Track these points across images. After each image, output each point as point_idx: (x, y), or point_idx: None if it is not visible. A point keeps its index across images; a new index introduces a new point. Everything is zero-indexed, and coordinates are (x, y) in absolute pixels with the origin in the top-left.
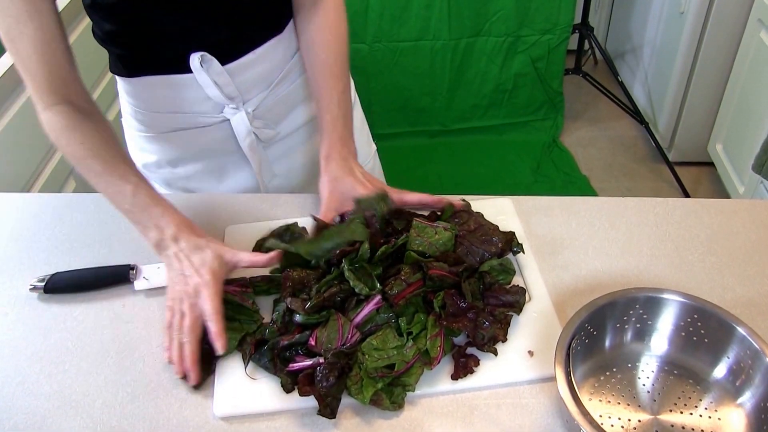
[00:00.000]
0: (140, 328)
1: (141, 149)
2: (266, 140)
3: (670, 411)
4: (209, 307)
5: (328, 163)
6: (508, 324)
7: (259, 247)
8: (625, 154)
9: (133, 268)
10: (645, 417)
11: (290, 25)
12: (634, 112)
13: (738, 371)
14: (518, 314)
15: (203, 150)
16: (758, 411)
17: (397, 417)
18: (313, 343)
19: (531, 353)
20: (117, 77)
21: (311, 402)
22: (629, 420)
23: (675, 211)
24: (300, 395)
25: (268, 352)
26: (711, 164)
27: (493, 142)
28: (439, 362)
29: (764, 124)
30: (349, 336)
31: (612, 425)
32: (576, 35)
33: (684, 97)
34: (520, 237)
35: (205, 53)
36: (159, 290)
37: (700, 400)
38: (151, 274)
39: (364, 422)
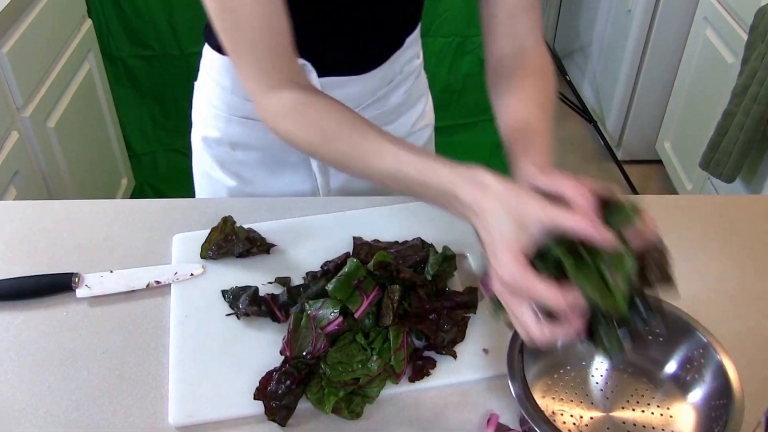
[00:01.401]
0: (84, 336)
1: (206, 123)
2: None
3: (623, 408)
4: (539, 295)
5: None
6: (466, 325)
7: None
8: (574, 153)
9: (75, 276)
10: (597, 414)
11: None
12: (583, 111)
13: (689, 368)
14: (474, 314)
15: (267, 144)
16: (708, 407)
17: (356, 422)
18: (288, 353)
19: (486, 351)
20: (210, 48)
21: None
22: (581, 417)
23: None
24: (254, 398)
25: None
26: (659, 162)
27: (441, 144)
28: (404, 375)
29: (711, 121)
30: (321, 346)
31: (564, 422)
32: None
33: (632, 96)
34: (472, 236)
35: (308, 63)
36: (102, 298)
37: (653, 397)
38: (93, 282)
39: (324, 428)
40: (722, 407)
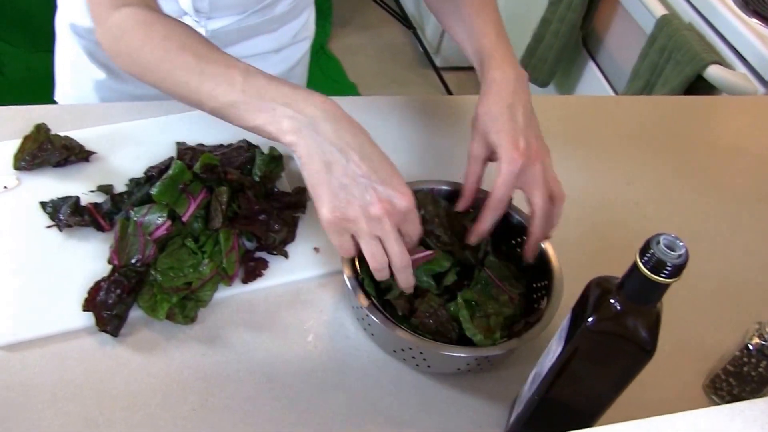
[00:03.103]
0: None
1: (75, 10)
2: None
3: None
4: (417, 237)
5: (489, 87)
6: (296, 225)
7: None
8: (393, 60)
9: None
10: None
11: None
12: (403, 18)
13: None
14: (303, 213)
15: None
16: (530, 289)
17: (191, 326)
18: (116, 261)
19: (317, 249)
20: None
21: None
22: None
23: (438, 109)
24: (83, 310)
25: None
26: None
27: None
28: (237, 277)
29: (529, 29)
30: (150, 252)
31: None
32: None
33: None
34: None
35: None
36: None
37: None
38: None
39: (159, 335)
40: (544, 288)
